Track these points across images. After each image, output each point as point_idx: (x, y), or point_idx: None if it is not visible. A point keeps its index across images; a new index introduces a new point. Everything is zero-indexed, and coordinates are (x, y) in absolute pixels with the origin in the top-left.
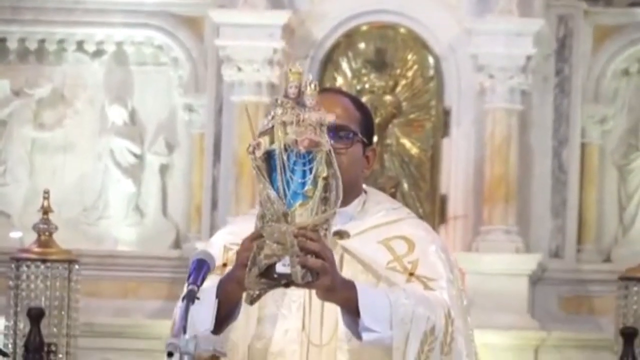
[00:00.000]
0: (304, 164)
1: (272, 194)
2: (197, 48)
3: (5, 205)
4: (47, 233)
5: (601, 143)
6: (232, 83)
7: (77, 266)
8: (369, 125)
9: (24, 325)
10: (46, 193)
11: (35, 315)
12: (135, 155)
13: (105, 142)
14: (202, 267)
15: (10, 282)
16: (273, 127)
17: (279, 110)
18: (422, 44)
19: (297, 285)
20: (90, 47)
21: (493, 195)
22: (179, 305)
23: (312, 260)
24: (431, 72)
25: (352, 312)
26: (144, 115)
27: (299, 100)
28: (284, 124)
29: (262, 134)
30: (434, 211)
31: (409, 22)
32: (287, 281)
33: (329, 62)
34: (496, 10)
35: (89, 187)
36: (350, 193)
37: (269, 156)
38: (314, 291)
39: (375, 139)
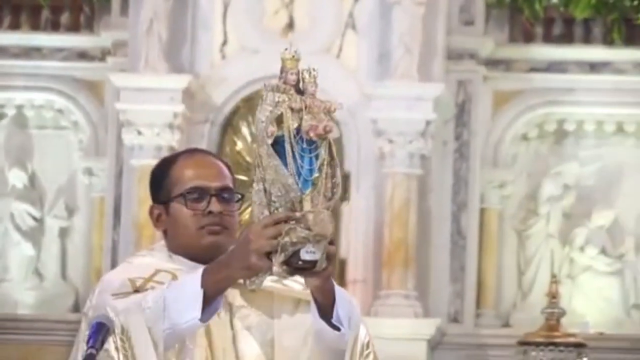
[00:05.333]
0: (310, 152)
1: (291, 180)
2: (98, 112)
3: None
4: None
5: (500, 208)
6: (132, 147)
7: None
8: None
9: None
10: None
11: None
12: (35, 218)
13: (4, 205)
14: (100, 330)
15: None
16: (281, 113)
17: (285, 97)
18: None
19: (313, 273)
20: None
21: (392, 259)
22: None
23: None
24: None
25: (325, 304)
26: (44, 179)
27: (297, 87)
28: (292, 110)
29: (270, 120)
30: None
31: None
32: (305, 268)
33: (228, 126)
34: (396, 75)
35: None
36: None
37: (273, 143)
38: None
39: None
